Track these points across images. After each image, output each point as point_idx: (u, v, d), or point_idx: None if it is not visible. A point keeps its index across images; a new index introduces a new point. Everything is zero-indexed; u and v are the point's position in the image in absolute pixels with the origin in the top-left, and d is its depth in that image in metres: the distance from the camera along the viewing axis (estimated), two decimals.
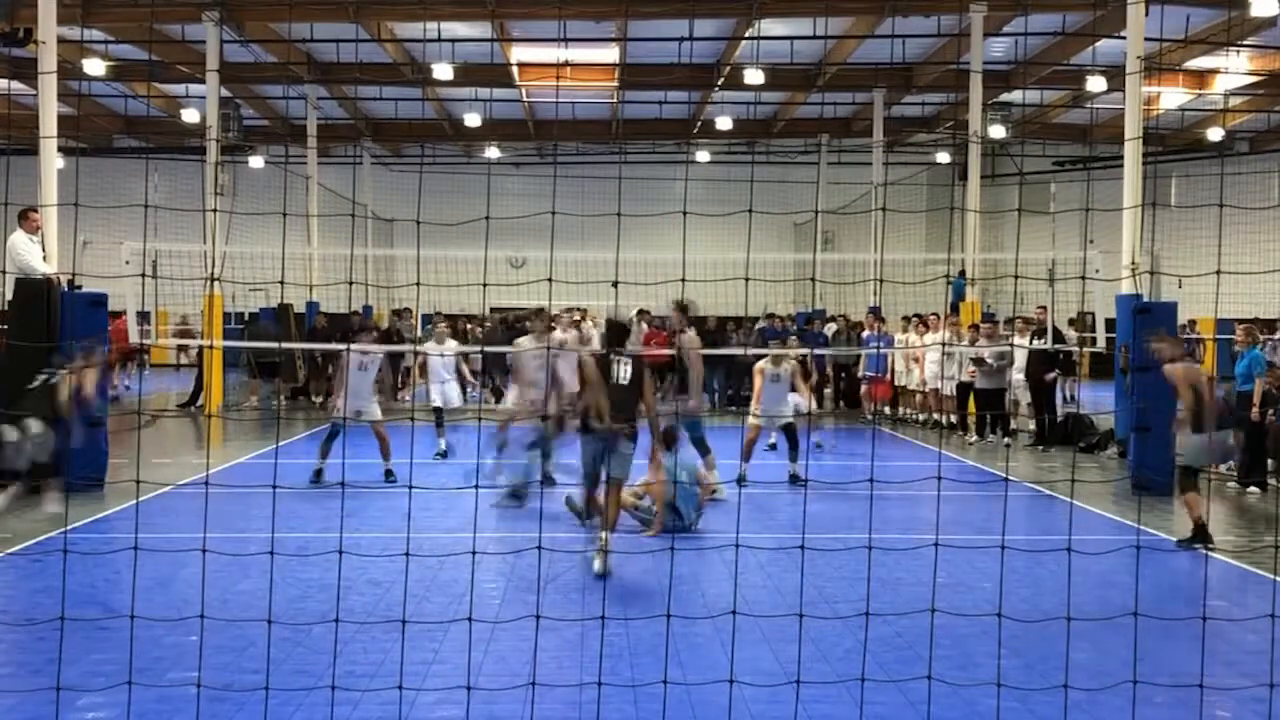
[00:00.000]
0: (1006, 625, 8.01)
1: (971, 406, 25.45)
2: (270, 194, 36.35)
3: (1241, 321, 21.98)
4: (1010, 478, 19.66)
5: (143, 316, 25.71)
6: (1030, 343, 24.71)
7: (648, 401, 13.11)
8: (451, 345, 23.21)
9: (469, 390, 25.10)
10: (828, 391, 32.35)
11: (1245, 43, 31.18)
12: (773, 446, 21.81)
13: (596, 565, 12.34)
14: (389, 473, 18.53)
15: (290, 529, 14.32)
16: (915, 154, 46.17)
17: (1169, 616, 10.08)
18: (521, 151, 48.42)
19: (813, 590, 11.21)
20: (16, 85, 34.30)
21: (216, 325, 29.98)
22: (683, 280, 8.99)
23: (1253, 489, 18.50)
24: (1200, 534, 14.18)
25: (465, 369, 23.77)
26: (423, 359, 22.77)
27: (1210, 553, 13.58)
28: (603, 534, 12.53)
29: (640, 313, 35.05)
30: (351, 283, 33.55)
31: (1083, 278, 25.01)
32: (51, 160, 18.73)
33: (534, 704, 8.05)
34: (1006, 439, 24.73)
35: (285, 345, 30.10)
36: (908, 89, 37.38)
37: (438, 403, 21.92)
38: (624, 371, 12.99)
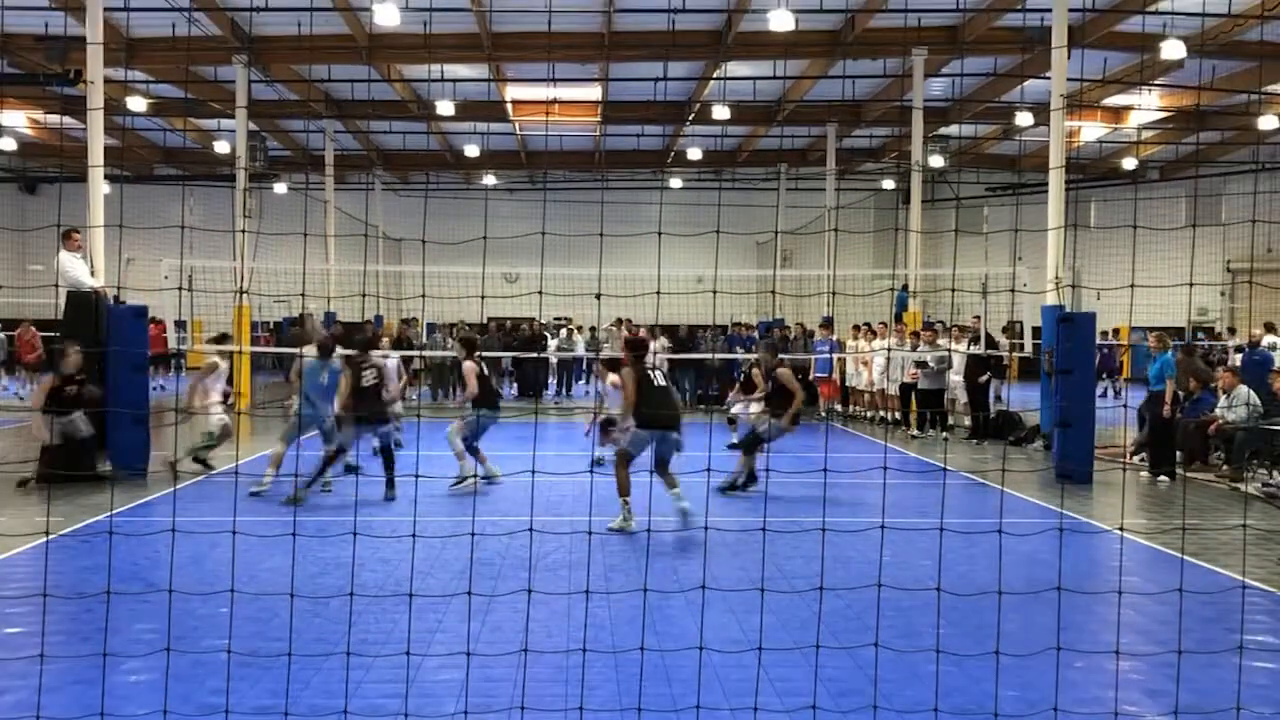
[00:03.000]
0: (945, 599, 8.01)
1: (913, 405, 25.50)
2: (292, 216, 36.34)
3: (1153, 329, 22.06)
4: (948, 468, 19.70)
5: (179, 325, 25.64)
6: (966, 348, 24.77)
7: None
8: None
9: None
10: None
11: (1156, 82, 31.33)
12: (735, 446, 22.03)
13: (685, 504, 13.34)
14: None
15: (310, 513, 14.27)
16: (864, 181, 46.29)
17: (1088, 591, 10.11)
18: (515, 179, 48.39)
19: (773, 567, 11.20)
20: (68, 120, 34.48)
21: (245, 333, 29.92)
22: (658, 293, 8.97)
23: (1162, 478, 18.54)
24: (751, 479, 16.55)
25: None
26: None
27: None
28: (675, 490, 13.52)
29: (619, 321, 35.13)
30: (365, 295, 33.60)
31: (1012, 290, 25.06)
32: (99, 187, 18.70)
33: (526, 668, 8.05)
34: (944, 433, 24.74)
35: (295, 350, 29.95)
36: (857, 123, 37.44)
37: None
38: (660, 378, 14.17)
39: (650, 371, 14.00)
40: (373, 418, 15.87)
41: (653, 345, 32.38)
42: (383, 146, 44.64)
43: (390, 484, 15.83)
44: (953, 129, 38.10)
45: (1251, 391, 19.30)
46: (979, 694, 7.61)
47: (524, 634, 8.49)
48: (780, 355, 17.72)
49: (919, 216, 31.44)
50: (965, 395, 25.12)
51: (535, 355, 31.69)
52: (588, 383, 35.85)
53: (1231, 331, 35.77)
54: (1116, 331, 34.26)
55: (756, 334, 33.35)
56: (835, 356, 28.87)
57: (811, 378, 30.22)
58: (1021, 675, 7.96)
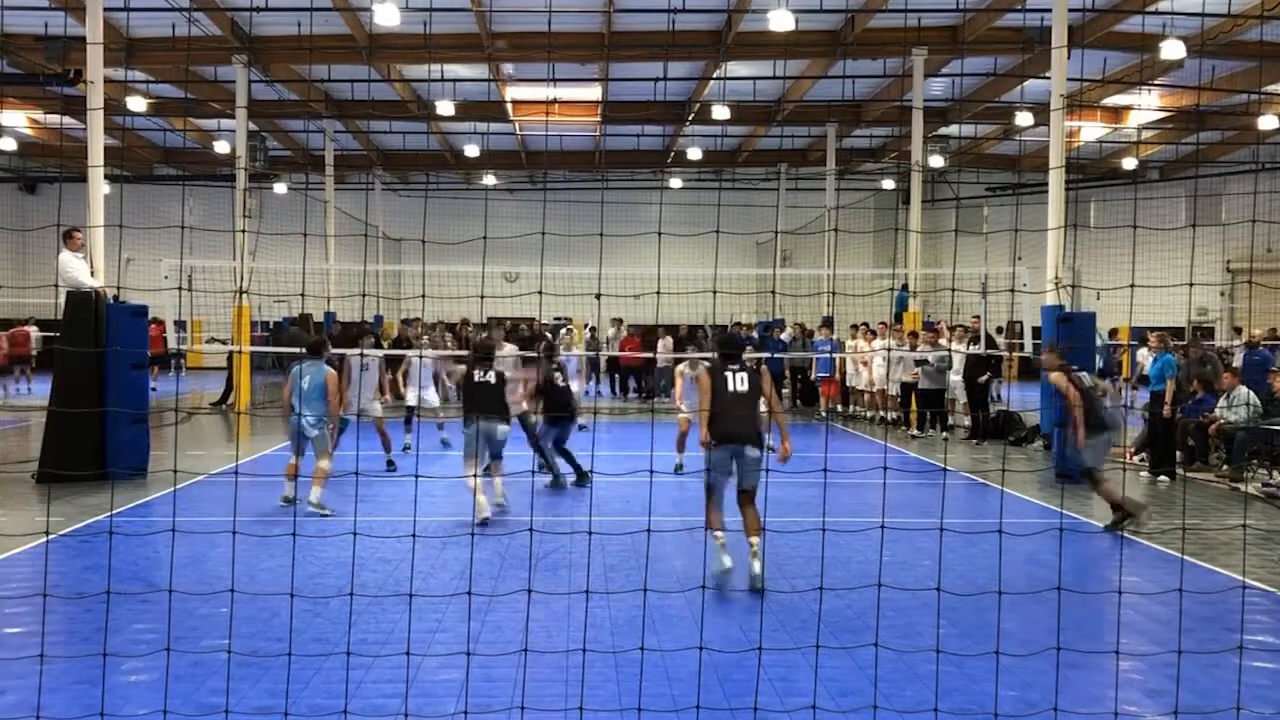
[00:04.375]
0: (945, 599, 8.01)
1: (913, 404, 25.52)
2: (293, 216, 36.43)
3: (1154, 329, 22.06)
4: (948, 468, 19.70)
5: (179, 325, 25.64)
6: (966, 348, 24.77)
7: (773, 405, 11.94)
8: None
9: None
10: (785, 391, 32.33)
11: (1156, 82, 31.33)
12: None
13: (756, 568, 10.71)
14: (390, 463, 18.34)
15: (310, 513, 14.26)
16: (864, 181, 46.29)
17: (1088, 591, 10.11)
18: (515, 179, 48.42)
19: (773, 567, 11.20)
20: (68, 120, 34.48)
21: (245, 332, 29.93)
22: (658, 293, 8.97)
23: (1162, 477, 18.54)
24: (1121, 513, 14.07)
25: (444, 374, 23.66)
26: (407, 364, 22.17)
27: (1127, 534, 13.61)
28: (751, 539, 10.90)
29: (617, 320, 35.20)
30: (364, 295, 33.57)
31: (1012, 290, 25.07)
32: (99, 187, 18.68)
33: (526, 668, 8.04)
34: (944, 433, 24.75)
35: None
36: (857, 123, 37.44)
37: (411, 402, 21.38)
38: (740, 382, 11.40)
39: (730, 374, 11.46)
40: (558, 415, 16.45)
41: (660, 345, 32.54)
42: (383, 146, 44.64)
43: (578, 472, 16.83)
44: (953, 129, 38.14)
45: (1251, 392, 19.31)
46: (979, 694, 7.61)
47: (524, 634, 8.49)
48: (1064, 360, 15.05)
49: (919, 216, 31.44)
50: (965, 395, 25.14)
51: (535, 355, 31.66)
52: (595, 382, 35.81)
53: (1237, 331, 35.78)
54: (1114, 332, 34.31)
55: (755, 334, 33.37)
56: (836, 356, 28.93)
57: (813, 378, 30.33)
58: (1021, 675, 7.96)
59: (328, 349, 15.84)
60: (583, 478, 16.79)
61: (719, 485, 11.24)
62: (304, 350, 16.23)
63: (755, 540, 10.86)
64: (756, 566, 10.70)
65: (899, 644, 8.38)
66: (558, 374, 16.75)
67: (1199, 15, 24.70)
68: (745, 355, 16.88)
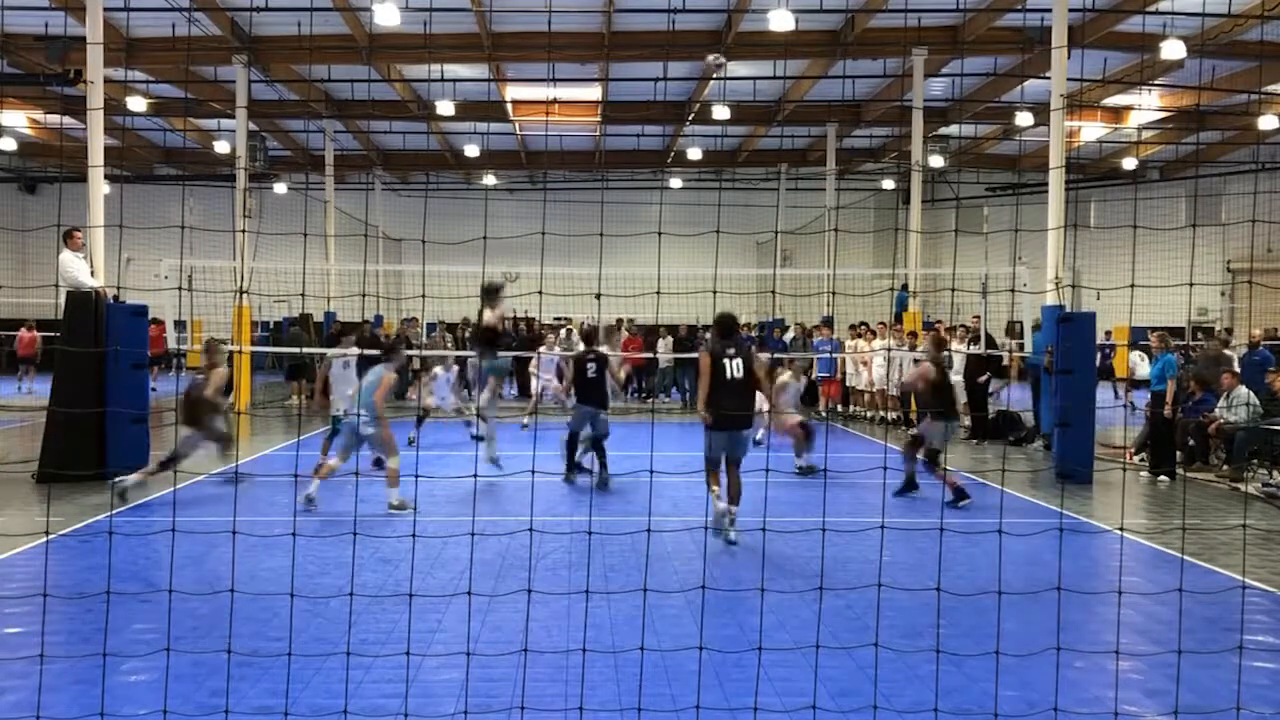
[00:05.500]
0: (945, 598, 8.01)
1: (913, 405, 25.50)
2: (293, 216, 36.38)
3: (1154, 329, 22.07)
4: (948, 468, 19.68)
5: (179, 325, 25.60)
6: (966, 348, 24.75)
7: (762, 386, 13.53)
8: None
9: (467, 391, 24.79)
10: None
11: (1156, 82, 31.33)
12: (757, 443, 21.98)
13: (732, 535, 12.55)
14: (377, 461, 18.25)
15: (309, 513, 14.26)
16: (864, 181, 46.30)
17: (1088, 591, 10.11)
18: (515, 179, 48.41)
19: (773, 567, 11.20)
20: (68, 120, 34.47)
21: (245, 333, 29.91)
22: (658, 293, 8.96)
23: (1162, 477, 18.53)
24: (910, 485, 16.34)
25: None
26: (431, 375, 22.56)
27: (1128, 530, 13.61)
28: (731, 507, 12.72)
29: (619, 320, 35.16)
30: (364, 295, 33.52)
31: (1012, 290, 25.04)
32: (99, 187, 18.68)
33: (526, 668, 8.04)
34: None
35: (307, 349, 29.93)
36: (857, 123, 37.43)
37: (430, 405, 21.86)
38: (736, 369, 12.81)
39: (727, 360, 12.79)
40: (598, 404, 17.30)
41: (661, 345, 32.56)
42: (383, 146, 44.63)
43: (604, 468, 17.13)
44: (953, 129, 38.14)
45: (1250, 392, 19.30)
46: (979, 694, 7.61)
47: (524, 634, 8.49)
48: (945, 352, 17.12)
49: (919, 216, 31.43)
50: (965, 395, 25.12)
51: (535, 354, 31.67)
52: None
53: (1229, 332, 35.84)
54: (1108, 333, 34.32)
55: (756, 333, 33.35)
56: (838, 356, 28.92)
57: (813, 377, 30.32)
58: (1021, 675, 7.96)
59: (399, 354, 15.87)
60: (571, 472, 17.77)
61: (718, 459, 12.80)
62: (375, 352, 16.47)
63: (734, 509, 12.67)
64: (733, 534, 12.52)
65: (899, 644, 8.38)
66: (591, 364, 17.31)
67: (1199, 15, 24.71)
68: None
